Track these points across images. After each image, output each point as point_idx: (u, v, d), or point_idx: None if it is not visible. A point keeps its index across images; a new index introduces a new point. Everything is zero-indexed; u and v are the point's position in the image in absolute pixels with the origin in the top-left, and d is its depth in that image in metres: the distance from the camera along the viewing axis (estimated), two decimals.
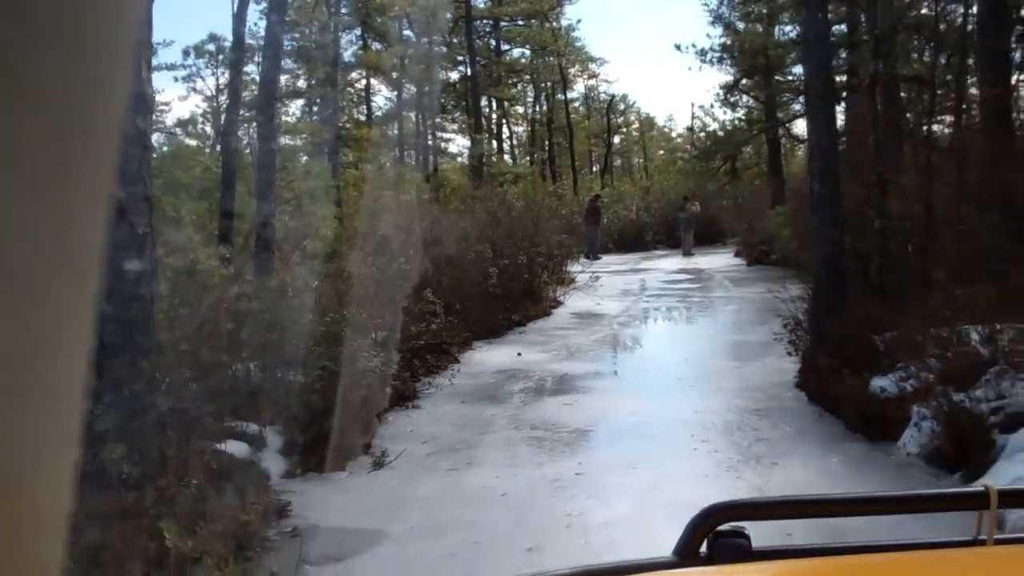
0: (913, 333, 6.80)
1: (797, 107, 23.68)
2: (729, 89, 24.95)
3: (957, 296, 6.69)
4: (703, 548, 1.15)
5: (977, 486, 1.24)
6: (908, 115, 9.83)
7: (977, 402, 5.85)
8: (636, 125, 47.96)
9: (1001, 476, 5.03)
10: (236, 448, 5.78)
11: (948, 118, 9.41)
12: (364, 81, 33.32)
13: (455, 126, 38.14)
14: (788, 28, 24.81)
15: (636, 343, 11.62)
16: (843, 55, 14.88)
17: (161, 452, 4.37)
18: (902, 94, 10.36)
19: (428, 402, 8.22)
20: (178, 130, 29.33)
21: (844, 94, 14.44)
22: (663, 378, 9.06)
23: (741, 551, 1.15)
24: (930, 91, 8.75)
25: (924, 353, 6.73)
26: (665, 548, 1.17)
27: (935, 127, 8.97)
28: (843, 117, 13.61)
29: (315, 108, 27.29)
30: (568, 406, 7.91)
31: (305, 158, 23.80)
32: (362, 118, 33.06)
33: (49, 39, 0.28)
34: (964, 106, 8.96)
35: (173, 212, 13.07)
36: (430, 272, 10.55)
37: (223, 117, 19.55)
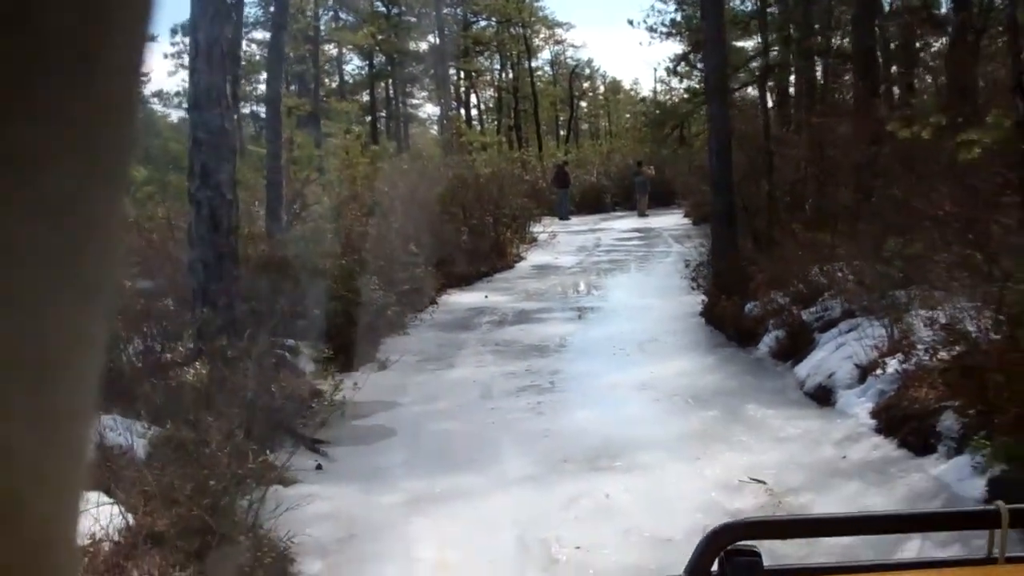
0: (775, 270, 9.21)
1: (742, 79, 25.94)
2: (678, 62, 27.18)
3: (807, 242, 9.11)
4: (715, 567, 1.16)
5: (989, 506, 1.23)
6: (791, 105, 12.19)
7: (809, 315, 8.29)
8: (601, 90, 49.70)
9: (811, 359, 7.49)
10: (282, 352, 8.08)
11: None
12: (336, 51, 35.15)
13: (424, 93, 40.19)
14: (737, 3, 26.97)
15: (583, 288, 14.00)
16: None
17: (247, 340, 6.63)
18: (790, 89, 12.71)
19: (415, 330, 10.57)
20: (155, 99, 30.91)
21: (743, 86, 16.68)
22: (600, 313, 11.47)
23: (752, 570, 1.15)
24: (809, 86, 11.11)
25: (785, 284, 9.15)
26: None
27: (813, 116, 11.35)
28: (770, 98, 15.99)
29: (290, 80, 29.02)
30: (523, 331, 10.30)
31: (287, 132, 25.72)
32: (334, 85, 34.96)
33: (59, 55, 0.28)
34: (837, 97, 11.32)
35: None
36: (411, 230, 12.82)
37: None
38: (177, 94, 28.48)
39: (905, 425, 5.85)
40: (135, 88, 0.32)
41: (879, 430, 6.02)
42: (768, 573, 1.18)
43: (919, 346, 6.38)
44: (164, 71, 29.81)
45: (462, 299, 12.81)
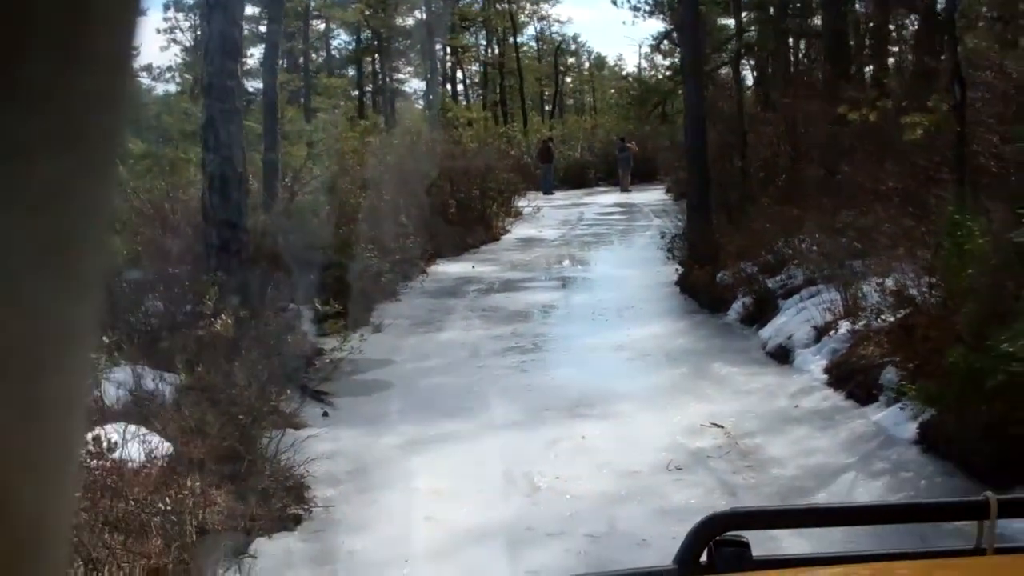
0: (746, 242, 9.86)
1: (723, 57, 26.50)
2: (660, 40, 27.71)
3: (775, 216, 9.75)
4: (703, 557, 1.17)
5: (978, 496, 1.23)
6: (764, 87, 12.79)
7: (775, 283, 8.95)
8: (587, 65, 50.08)
9: (774, 322, 8.14)
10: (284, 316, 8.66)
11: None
12: (323, 26, 35.41)
13: (410, 68, 40.53)
14: None
15: (565, 260, 14.61)
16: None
17: (258, 299, 7.22)
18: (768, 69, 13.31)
19: (406, 297, 11.17)
20: (144, 74, 31.18)
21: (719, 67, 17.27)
22: (580, 282, 12.10)
23: (741, 560, 1.16)
24: (784, 68, 11.71)
25: (754, 255, 9.79)
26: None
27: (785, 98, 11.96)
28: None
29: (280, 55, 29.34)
30: (509, 299, 10.92)
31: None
32: (320, 60, 35.27)
33: (49, 48, 0.28)
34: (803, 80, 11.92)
35: (183, 155, 15.64)
36: (401, 203, 13.38)
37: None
38: (169, 68, 28.80)
39: (852, 379, 6.53)
40: (124, 78, 0.32)
41: (830, 384, 6.69)
42: (757, 563, 1.17)
43: (869, 309, 7.04)
44: (156, 46, 30.06)
45: (450, 269, 13.41)
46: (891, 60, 13.84)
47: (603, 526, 4.47)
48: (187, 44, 27.49)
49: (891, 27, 13.52)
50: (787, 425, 5.96)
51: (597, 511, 4.64)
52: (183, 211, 9.37)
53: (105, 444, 3.84)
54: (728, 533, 1.17)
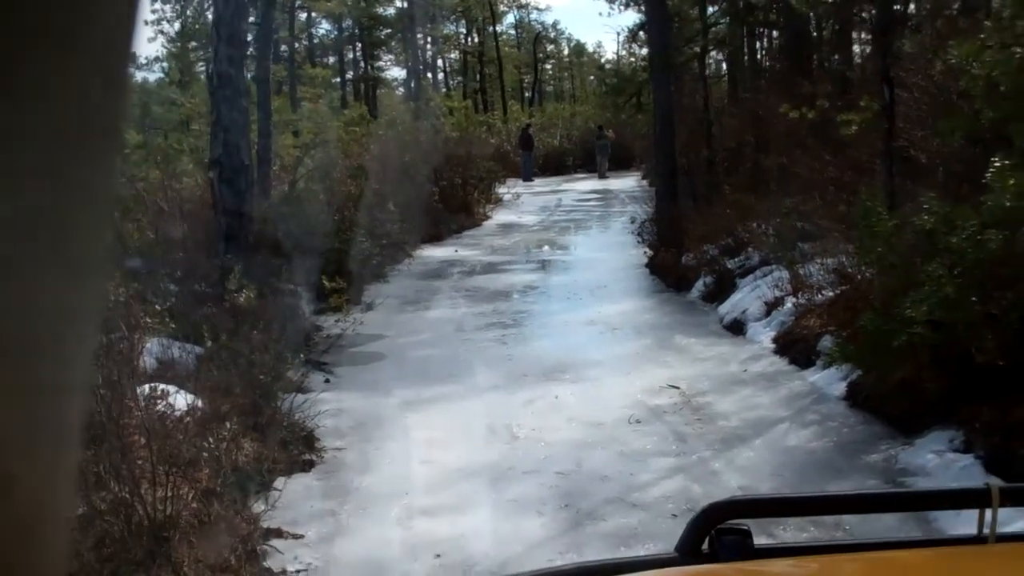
0: (709, 226, 10.69)
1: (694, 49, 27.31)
2: (636, 31, 28.48)
3: (736, 202, 10.59)
4: (705, 546, 1.17)
5: (979, 484, 1.23)
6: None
7: (733, 264, 9.79)
8: (566, 52, 50.65)
9: (731, 299, 8.98)
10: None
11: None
12: (306, 15, 35.92)
13: (391, 57, 41.12)
14: None
15: (544, 244, 15.42)
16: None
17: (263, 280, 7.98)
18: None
19: (394, 279, 11.95)
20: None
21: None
22: (558, 264, 12.92)
23: (743, 548, 1.16)
24: (751, 61, 12.51)
25: (716, 239, 10.62)
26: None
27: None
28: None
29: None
30: (490, 280, 11.72)
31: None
32: (302, 47, 35.79)
33: (50, 40, 0.28)
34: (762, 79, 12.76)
35: (178, 145, 16.32)
36: (388, 190, 14.13)
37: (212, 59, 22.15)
38: (156, 59, 29.31)
39: (795, 347, 7.37)
40: (125, 66, 0.32)
41: (776, 352, 7.53)
42: (758, 551, 1.17)
43: (812, 286, 7.89)
44: (143, 37, 30.49)
45: (434, 253, 14.20)
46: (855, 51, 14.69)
47: (572, 466, 5.28)
48: (173, 35, 28.00)
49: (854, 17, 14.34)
50: (735, 386, 6.79)
51: (567, 455, 5.45)
52: (189, 199, 10.09)
53: (158, 393, 4.61)
54: (729, 521, 1.17)
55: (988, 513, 1.18)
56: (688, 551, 1.16)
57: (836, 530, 3.97)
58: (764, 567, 1.18)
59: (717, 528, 1.16)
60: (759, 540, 1.17)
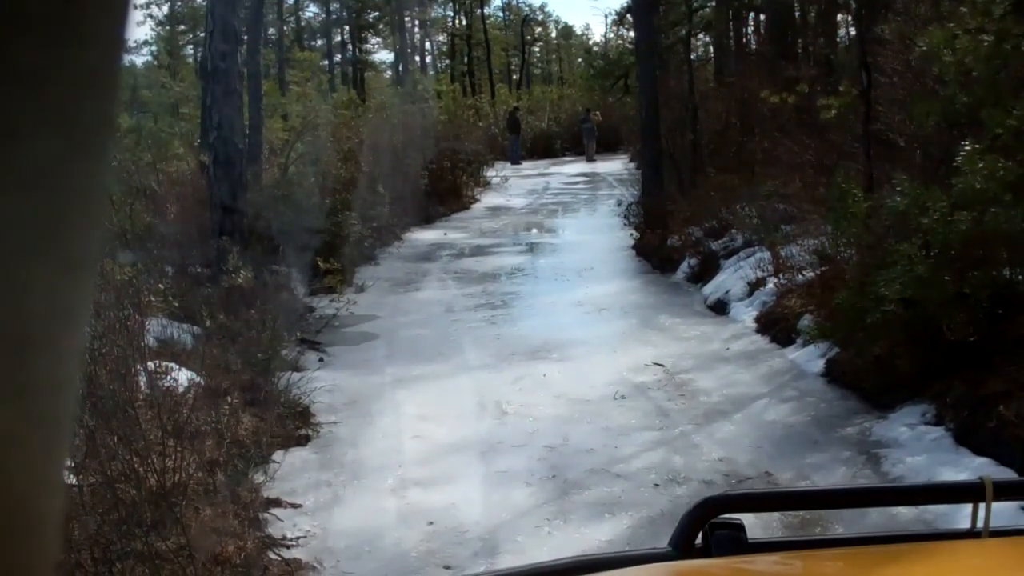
0: (694, 209, 10.90)
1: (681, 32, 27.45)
2: (624, 14, 28.58)
3: (720, 185, 10.78)
4: (698, 540, 1.17)
5: (973, 478, 1.24)
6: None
7: (717, 246, 10.00)
8: (554, 35, 50.67)
9: (715, 280, 9.20)
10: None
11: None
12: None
13: (378, 40, 41.08)
14: None
15: (531, 227, 15.61)
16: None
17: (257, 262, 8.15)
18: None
19: (384, 261, 12.12)
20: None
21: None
22: (545, 247, 13.12)
23: (737, 543, 1.16)
24: (737, 44, 12.68)
25: (700, 221, 10.83)
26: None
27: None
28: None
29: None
30: (479, 262, 11.91)
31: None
32: (290, 30, 35.76)
33: (40, 32, 0.28)
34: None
35: (170, 129, 16.40)
36: (377, 174, 14.27)
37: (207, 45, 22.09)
38: (145, 43, 29.25)
39: (776, 326, 7.60)
40: (117, 58, 0.32)
41: (758, 331, 7.75)
42: (752, 545, 1.17)
43: (793, 267, 8.10)
44: (132, 21, 30.39)
45: (423, 236, 14.36)
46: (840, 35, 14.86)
47: (559, 440, 5.49)
48: (161, 18, 27.95)
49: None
50: (717, 364, 7.01)
51: (554, 429, 5.66)
52: (182, 184, 10.22)
53: (163, 369, 4.79)
54: (723, 516, 1.17)
55: (982, 508, 1.17)
56: (681, 546, 1.16)
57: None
58: (757, 562, 1.19)
59: (711, 523, 1.16)
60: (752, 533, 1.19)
